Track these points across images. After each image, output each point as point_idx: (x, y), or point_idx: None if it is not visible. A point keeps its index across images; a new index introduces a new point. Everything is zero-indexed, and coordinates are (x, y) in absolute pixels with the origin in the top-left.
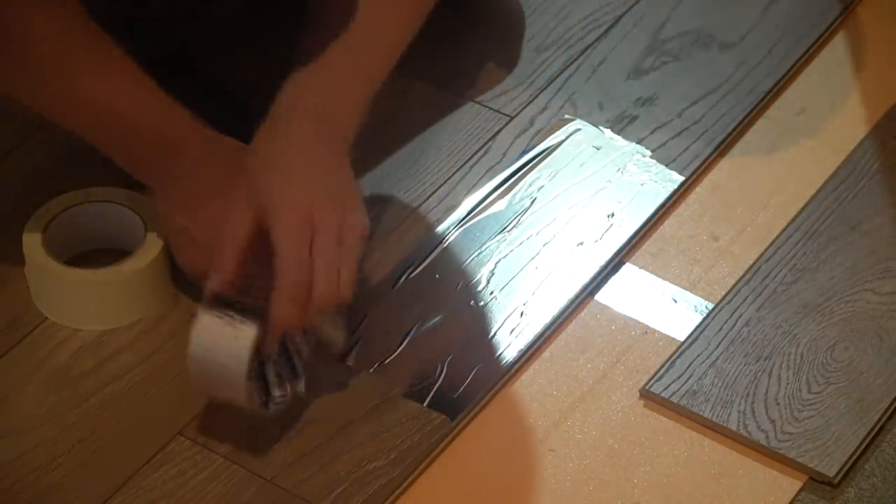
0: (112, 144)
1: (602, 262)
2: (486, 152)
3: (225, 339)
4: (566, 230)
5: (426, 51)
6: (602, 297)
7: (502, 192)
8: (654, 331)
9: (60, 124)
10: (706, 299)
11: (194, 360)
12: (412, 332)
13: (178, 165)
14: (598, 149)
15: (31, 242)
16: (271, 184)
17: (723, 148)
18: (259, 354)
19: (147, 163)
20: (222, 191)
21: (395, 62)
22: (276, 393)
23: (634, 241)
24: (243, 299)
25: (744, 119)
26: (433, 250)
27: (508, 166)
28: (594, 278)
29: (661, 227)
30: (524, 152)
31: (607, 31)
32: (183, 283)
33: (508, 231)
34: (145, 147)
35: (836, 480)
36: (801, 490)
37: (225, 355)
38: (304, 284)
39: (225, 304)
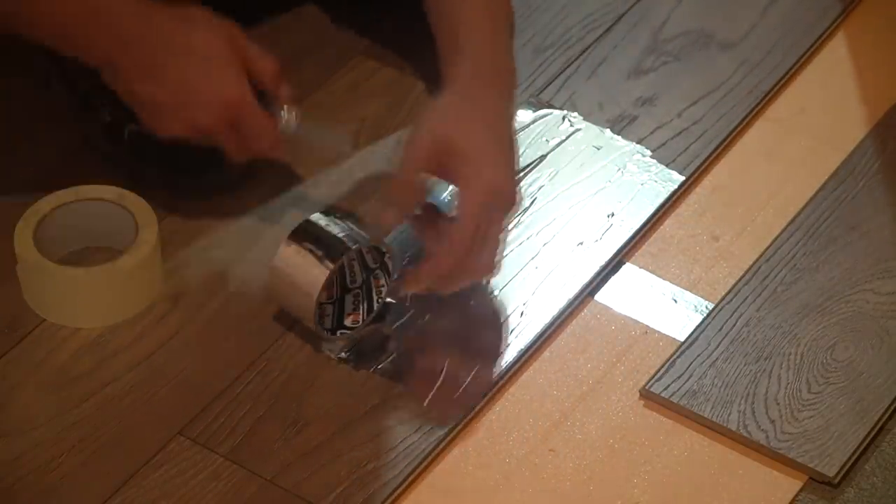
0: (54, 24)
1: (602, 262)
2: None
3: (305, 267)
4: (566, 230)
5: (426, 51)
6: (602, 297)
7: None
8: (654, 331)
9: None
10: (706, 299)
11: (274, 273)
12: (412, 332)
13: (121, 30)
14: (598, 149)
15: (23, 241)
16: (464, 141)
17: (723, 148)
18: (339, 282)
19: (88, 36)
20: (179, 50)
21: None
22: (348, 322)
23: (634, 240)
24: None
25: (744, 119)
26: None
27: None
28: (594, 278)
29: (661, 227)
30: (524, 152)
31: (607, 31)
32: (182, 282)
33: (508, 231)
34: (86, 21)
35: (836, 480)
36: (801, 490)
37: (302, 280)
38: (469, 255)
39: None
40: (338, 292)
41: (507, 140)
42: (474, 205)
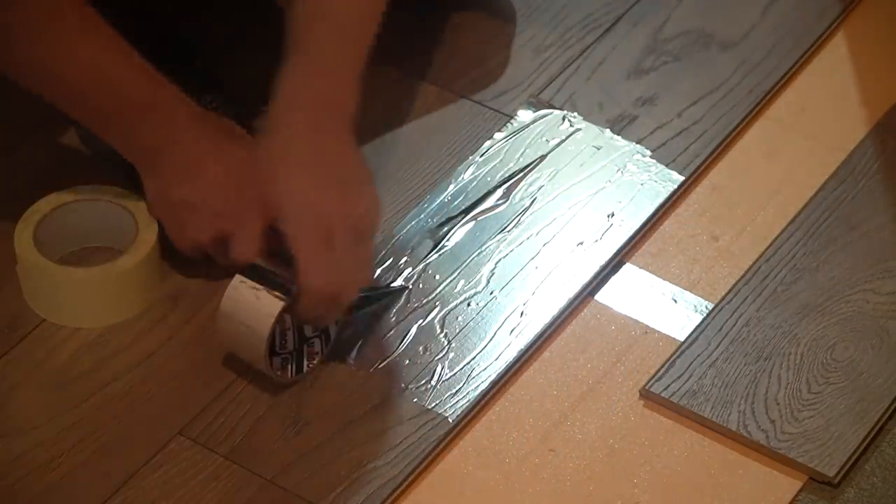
0: (99, 114)
1: (602, 261)
2: (485, 152)
3: (252, 303)
4: (566, 230)
5: (426, 51)
6: (602, 297)
7: (502, 192)
8: (654, 331)
9: (47, 96)
10: (706, 299)
11: (223, 317)
12: (412, 332)
13: (168, 132)
14: (598, 149)
15: (23, 241)
16: (282, 183)
17: (723, 148)
18: (292, 326)
19: (135, 133)
20: (220, 156)
21: (377, 29)
22: (306, 365)
23: (634, 240)
24: (276, 272)
25: (744, 119)
26: (433, 250)
27: (508, 166)
28: (594, 278)
29: (661, 227)
30: (524, 152)
31: (607, 31)
32: (182, 282)
33: (508, 231)
34: (132, 116)
35: (836, 480)
36: (801, 490)
37: (251, 319)
38: (329, 285)
39: (259, 275)
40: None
41: (331, 153)
42: (304, 240)
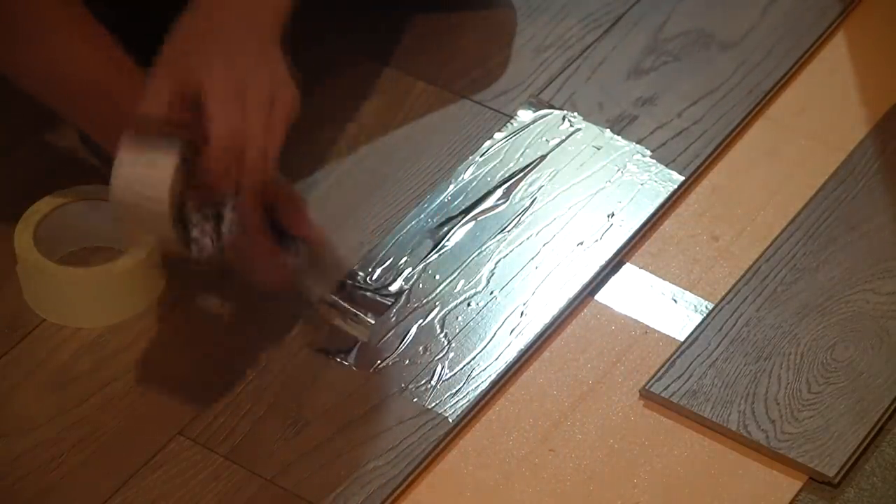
0: (54, 93)
1: (602, 261)
2: (485, 152)
3: (147, 168)
4: (566, 230)
5: (427, 51)
6: (602, 297)
7: (502, 192)
8: (654, 331)
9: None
10: (706, 299)
11: (117, 190)
12: (412, 332)
13: (115, 114)
14: (598, 149)
15: (23, 241)
16: (201, 59)
17: (723, 148)
18: (182, 199)
19: (86, 113)
20: None
21: None
22: (195, 234)
23: (634, 241)
24: (168, 131)
25: (744, 119)
26: (433, 250)
27: (508, 166)
28: (594, 278)
29: (661, 227)
30: (524, 152)
31: (607, 30)
32: (182, 282)
33: (508, 231)
34: (84, 98)
35: (836, 480)
36: (801, 490)
37: (147, 186)
38: (236, 150)
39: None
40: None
41: (251, 47)
42: (220, 102)
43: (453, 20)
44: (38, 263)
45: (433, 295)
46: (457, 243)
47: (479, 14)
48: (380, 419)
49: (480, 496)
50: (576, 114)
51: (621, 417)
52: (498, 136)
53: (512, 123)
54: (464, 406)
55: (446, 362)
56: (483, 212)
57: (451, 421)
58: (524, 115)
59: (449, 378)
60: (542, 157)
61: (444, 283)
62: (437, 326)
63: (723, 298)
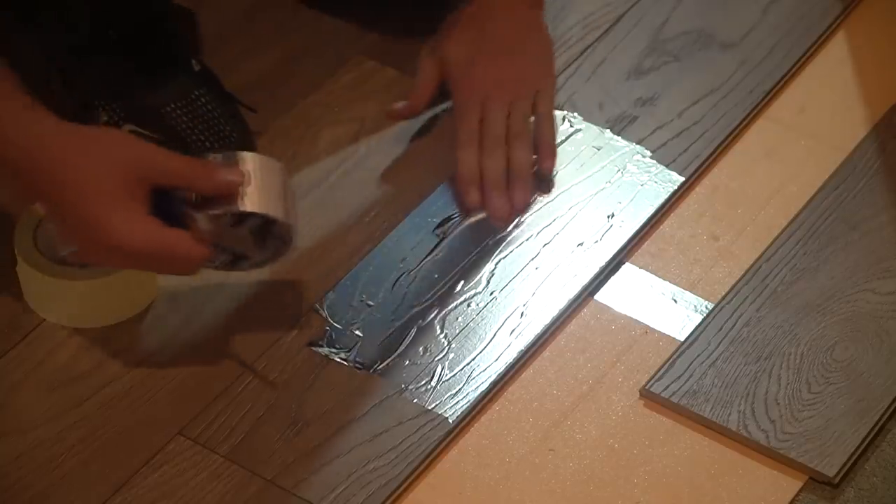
0: None
1: (602, 262)
2: None
3: None
4: (566, 230)
5: None
6: (602, 297)
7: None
8: (655, 331)
9: None
10: (706, 299)
11: None
12: (412, 332)
13: (8, 153)
14: (598, 149)
15: (23, 241)
16: (459, 53)
17: (723, 148)
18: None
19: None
20: (71, 189)
21: None
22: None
23: (634, 241)
24: None
25: (744, 119)
26: (433, 250)
27: None
28: (594, 278)
29: (661, 227)
30: None
31: (607, 31)
32: (182, 282)
33: (508, 231)
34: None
35: (836, 480)
36: (801, 490)
37: None
38: (474, 138)
39: None
40: None
41: (514, 35)
42: (466, 102)
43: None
44: (37, 265)
45: (433, 295)
46: (457, 243)
47: None
48: (380, 419)
49: (480, 496)
50: (576, 114)
51: (621, 417)
52: None
53: None
54: (464, 406)
55: (446, 363)
56: (483, 212)
57: (451, 421)
58: None
59: (449, 379)
60: None
61: (444, 284)
62: (437, 327)
63: (723, 298)
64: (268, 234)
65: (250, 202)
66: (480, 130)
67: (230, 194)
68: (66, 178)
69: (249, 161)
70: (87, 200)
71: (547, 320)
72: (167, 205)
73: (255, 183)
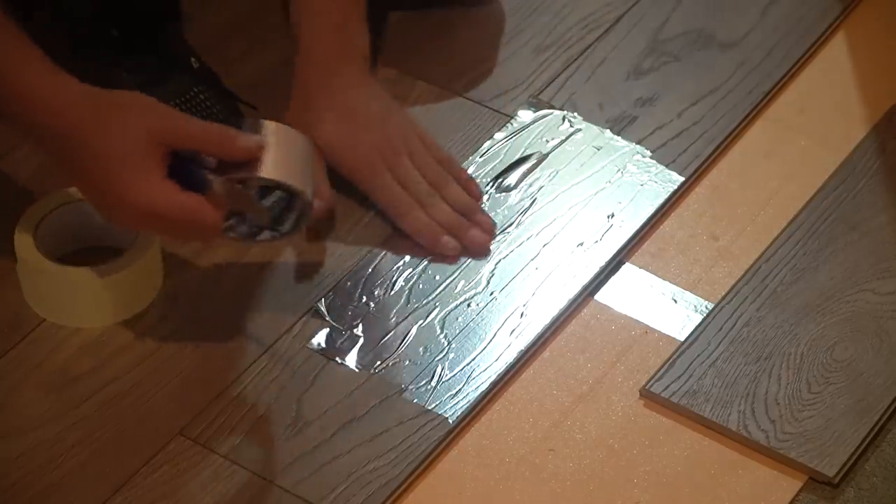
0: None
1: (602, 262)
2: (485, 152)
3: None
4: (566, 230)
5: (426, 51)
6: (602, 297)
7: (502, 192)
8: (655, 331)
9: None
10: (706, 299)
11: None
12: (412, 332)
13: (33, 117)
14: (598, 149)
15: (23, 241)
16: (317, 134)
17: (723, 148)
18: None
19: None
20: (91, 153)
21: None
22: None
23: (634, 241)
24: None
25: (744, 119)
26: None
27: (508, 166)
28: (594, 278)
29: (661, 227)
30: (524, 152)
31: (607, 31)
32: (182, 282)
33: (508, 231)
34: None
35: (836, 480)
36: (801, 490)
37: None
38: (405, 199)
39: None
40: None
41: (362, 94)
42: (373, 178)
43: (453, 20)
44: (38, 263)
45: (433, 295)
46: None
47: (478, 13)
48: (380, 419)
49: (480, 496)
50: (576, 114)
51: (621, 417)
52: (498, 136)
53: (512, 124)
54: (464, 406)
55: (446, 363)
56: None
57: (451, 421)
58: (524, 116)
59: (449, 379)
60: (543, 158)
61: (444, 284)
62: (437, 327)
63: (723, 298)
64: (287, 205)
65: (268, 169)
66: (408, 190)
67: (250, 160)
68: (87, 140)
69: (272, 130)
70: (108, 162)
71: (547, 320)
72: (187, 171)
73: (277, 151)
